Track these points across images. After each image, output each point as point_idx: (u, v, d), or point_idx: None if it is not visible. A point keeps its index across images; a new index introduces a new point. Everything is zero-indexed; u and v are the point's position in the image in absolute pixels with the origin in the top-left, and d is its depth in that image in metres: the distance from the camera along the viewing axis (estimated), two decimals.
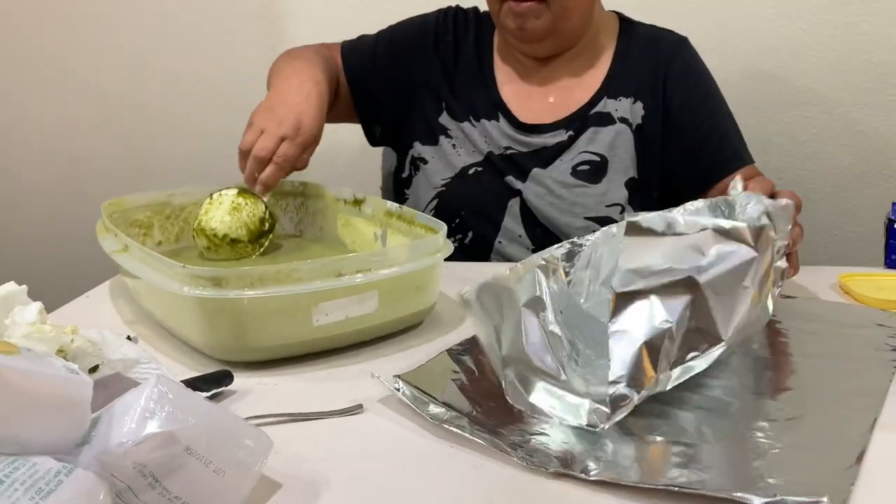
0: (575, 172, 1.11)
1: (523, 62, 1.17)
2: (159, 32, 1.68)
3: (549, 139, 1.12)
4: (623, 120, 1.12)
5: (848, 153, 1.54)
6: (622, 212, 1.10)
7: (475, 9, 1.24)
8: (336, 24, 1.60)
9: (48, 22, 1.71)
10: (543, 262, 0.68)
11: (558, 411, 0.62)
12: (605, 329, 0.62)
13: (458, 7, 1.24)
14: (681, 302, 0.63)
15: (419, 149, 1.17)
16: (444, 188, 1.14)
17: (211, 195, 1.00)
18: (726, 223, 0.68)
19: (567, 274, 0.70)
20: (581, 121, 1.12)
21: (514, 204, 1.12)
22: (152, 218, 1.02)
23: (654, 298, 0.62)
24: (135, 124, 1.73)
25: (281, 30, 1.66)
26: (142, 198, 1.02)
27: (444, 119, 1.17)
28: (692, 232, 0.67)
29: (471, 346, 0.75)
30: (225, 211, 0.97)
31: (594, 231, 1.04)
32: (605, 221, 1.08)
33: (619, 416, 0.59)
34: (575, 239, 0.70)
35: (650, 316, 0.62)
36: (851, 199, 1.55)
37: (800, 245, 0.84)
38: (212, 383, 0.66)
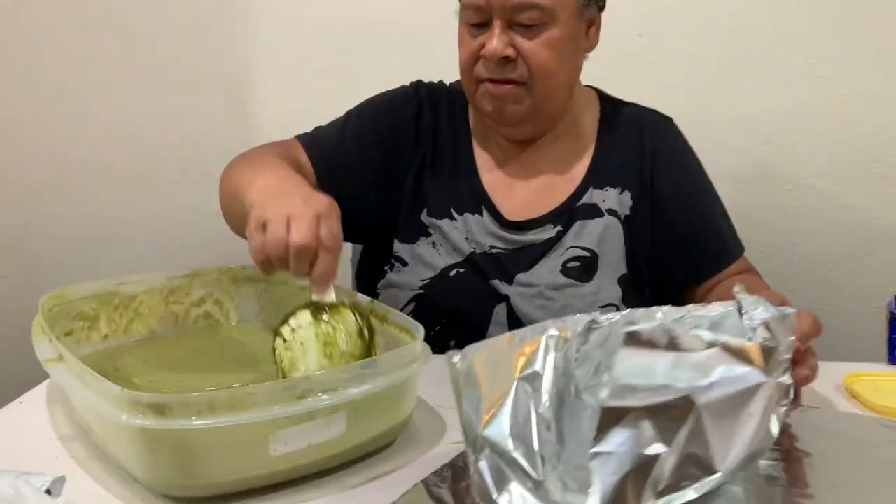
0: (565, 270, 1.02)
1: (503, 146, 1.09)
2: (119, 93, 1.60)
3: (536, 236, 1.04)
4: (611, 212, 1.04)
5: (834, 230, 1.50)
6: (617, 311, 1.02)
7: (442, 84, 1.14)
8: (299, 85, 1.55)
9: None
10: (555, 333, 0.60)
11: None
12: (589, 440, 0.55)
13: (423, 84, 1.13)
14: (675, 424, 0.56)
15: (398, 247, 1.06)
16: (422, 290, 1.04)
17: (279, 335, 0.74)
18: (735, 341, 0.61)
19: (577, 351, 0.62)
20: (568, 214, 1.04)
21: (500, 310, 1.02)
22: (98, 309, 0.93)
23: (645, 418, 0.55)
24: (90, 187, 1.63)
25: (246, 95, 1.59)
26: (86, 288, 0.92)
27: (426, 217, 1.06)
28: (697, 348, 0.60)
29: (450, 473, 0.66)
30: (318, 354, 0.71)
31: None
32: None
33: None
34: (597, 315, 0.62)
35: (640, 439, 0.55)
36: (841, 280, 1.50)
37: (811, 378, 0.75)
38: None
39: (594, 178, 1.06)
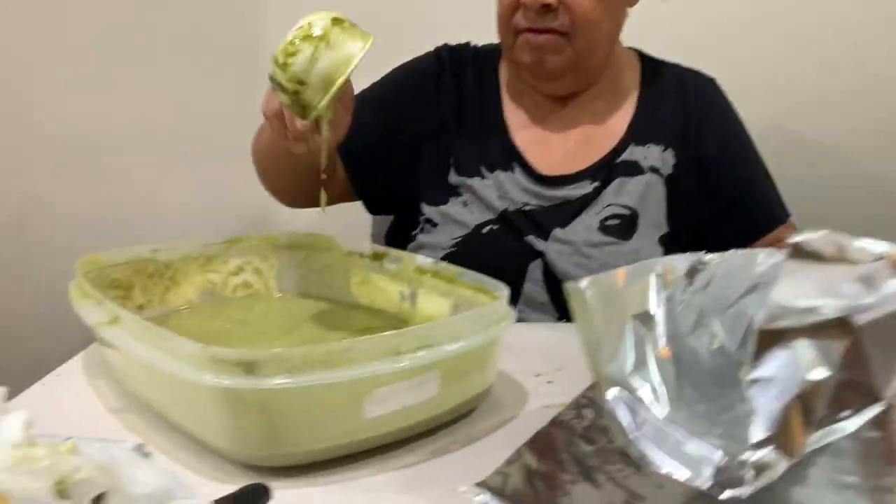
0: (603, 228, 0.98)
1: (538, 103, 1.05)
2: (132, 70, 1.52)
3: (572, 192, 1.00)
4: (653, 169, 1.01)
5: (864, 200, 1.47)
6: None
7: (468, 45, 1.11)
8: None
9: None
10: (661, 272, 0.58)
11: (666, 462, 0.50)
12: (733, 375, 0.53)
13: (449, 45, 1.10)
14: (835, 347, 0.52)
15: (427, 210, 1.03)
16: (454, 248, 0.99)
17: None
18: None
19: (683, 292, 0.60)
20: (607, 170, 1.01)
21: (535, 268, 0.98)
22: (133, 278, 0.86)
23: (804, 340, 0.51)
24: (103, 165, 1.55)
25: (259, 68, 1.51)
26: (120, 254, 0.86)
27: (453, 177, 1.02)
28: (864, 260, 0.55)
29: (544, 438, 0.61)
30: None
31: None
32: None
33: (758, 487, 0.47)
34: (702, 256, 0.61)
35: (801, 363, 0.51)
36: None
37: None
38: None
39: (635, 134, 1.02)
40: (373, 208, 1.13)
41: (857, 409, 0.52)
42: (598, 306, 0.56)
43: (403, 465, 0.59)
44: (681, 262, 0.60)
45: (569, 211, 0.99)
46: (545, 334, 0.90)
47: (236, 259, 0.94)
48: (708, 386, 0.60)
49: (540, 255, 0.98)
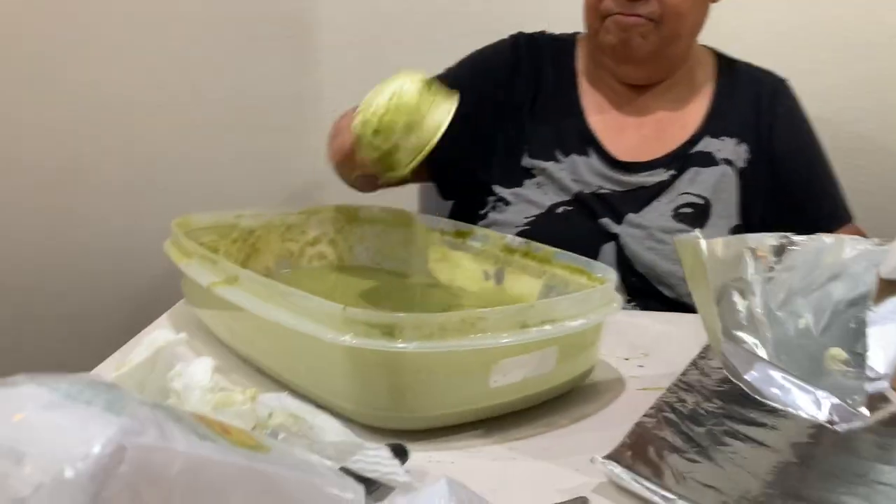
0: (677, 216, 1.00)
1: (615, 89, 1.06)
2: (172, 34, 1.51)
3: (647, 178, 1.02)
4: (727, 161, 1.02)
5: None
6: None
7: (543, 33, 1.13)
8: (368, 35, 1.48)
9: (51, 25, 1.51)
10: (752, 246, 0.63)
11: (784, 396, 0.53)
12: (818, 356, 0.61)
13: (523, 34, 1.12)
14: None
15: (500, 191, 1.04)
16: (528, 227, 1.01)
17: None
18: None
19: (771, 269, 0.65)
20: (682, 160, 1.02)
21: (607, 249, 1.00)
22: (218, 242, 0.87)
23: None
24: (138, 130, 1.54)
25: (310, 41, 1.51)
26: (208, 218, 0.86)
27: (527, 161, 1.04)
28: None
29: (657, 415, 0.62)
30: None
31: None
32: None
33: (875, 419, 0.51)
34: (791, 235, 0.68)
35: None
36: None
37: None
38: None
39: (710, 126, 1.04)
40: (445, 193, 1.14)
41: None
42: (710, 261, 0.59)
43: (522, 436, 0.60)
44: (771, 240, 0.64)
45: (643, 196, 1.01)
46: (624, 319, 0.91)
47: (314, 229, 0.95)
48: (798, 360, 0.64)
49: (613, 237, 0.99)
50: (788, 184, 1.04)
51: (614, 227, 1.00)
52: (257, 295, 0.62)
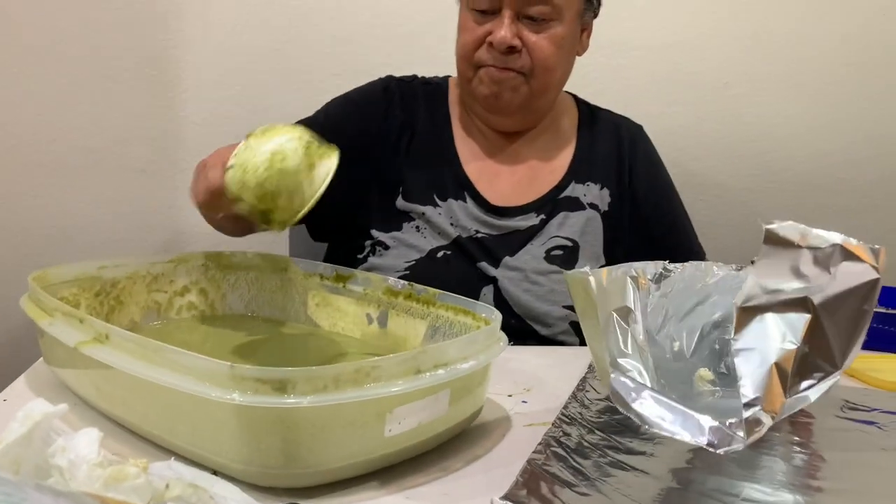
0: (549, 257, 1.05)
1: (487, 136, 1.10)
2: (34, 78, 1.40)
3: (521, 223, 1.06)
4: (592, 205, 1.08)
5: (735, 235, 1.63)
6: None
7: (416, 77, 1.15)
8: (233, 75, 1.45)
9: None
10: (634, 275, 0.67)
11: (669, 424, 0.56)
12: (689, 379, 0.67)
13: (395, 78, 1.14)
14: (800, 321, 0.60)
15: (377, 234, 1.04)
16: (408, 271, 1.02)
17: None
18: (854, 241, 0.65)
19: (650, 296, 0.70)
20: (551, 204, 1.07)
21: (487, 292, 1.03)
22: (79, 296, 0.81)
23: (774, 316, 0.60)
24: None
25: (171, 79, 1.46)
26: (67, 270, 0.81)
27: (402, 203, 1.05)
28: (823, 245, 0.63)
29: (546, 450, 0.64)
30: (267, 157, 0.70)
31: (573, 321, 1.02)
32: None
33: (750, 441, 0.55)
34: (667, 264, 0.73)
35: (773, 335, 0.59)
36: None
37: None
38: None
39: (576, 172, 1.10)
40: (316, 235, 1.13)
41: (820, 378, 0.60)
42: (598, 295, 0.63)
43: (419, 483, 0.60)
44: (650, 268, 0.69)
45: (517, 240, 1.04)
46: (504, 355, 0.93)
47: (183, 279, 0.91)
48: (674, 382, 0.68)
49: (492, 280, 1.01)
50: (648, 222, 1.11)
51: (492, 271, 1.02)
52: (132, 354, 0.59)
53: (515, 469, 0.59)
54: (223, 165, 0.72)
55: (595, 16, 1.08)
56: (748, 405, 0.54)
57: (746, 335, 0.59)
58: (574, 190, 1.08)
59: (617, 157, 1.12)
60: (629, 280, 0.65)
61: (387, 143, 1.07)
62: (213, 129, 1.41)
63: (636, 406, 0.56)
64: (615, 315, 0.64)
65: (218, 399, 0.53)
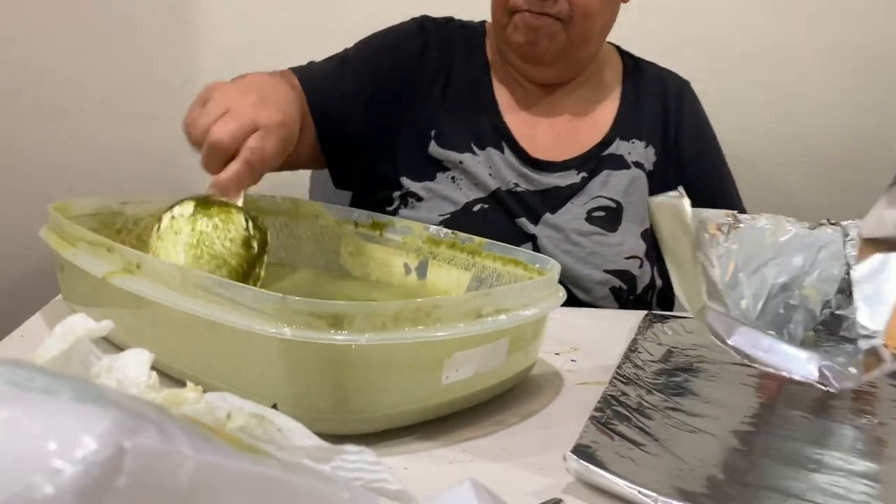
0: (590, 218, 0.99)
1: (526, 87, 1.04)
2: (31, 16, 1.35)
3: (561, 180, 1.00)
4: (637, 164, 1.03)
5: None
6: (641, 265, 1.00)
7: (452, 19, 1.09)
8: (255, 23, 1.39)
9: None
10: (703, 220, 0.66)
11: (775, 360, 0.52)
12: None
13: (431, 18, 1.07)
14: None
15: (409, 184, 0.99)
16: (442, 225, 0.96)
17: (158, 224, 0.66)
18: None
19: (720, 245, 0.68)
20: (594, 162, 1.01)
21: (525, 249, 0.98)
22: (99, 231, 0.75)
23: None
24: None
25: (187, 23, 1.40)
26: (89, 203, 0.75)
27: (435, 150, 0.99)
28: None
29: (607, 409, 0.59)
30: (182, 249, 0.63)
31: (613, 287, 0.96)
32: (624, 275, 0.98)
33: (867, 378, 0.51)
34: (737, 214, 0.70)
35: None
36: None
37: None
38: None
39: (620, 129, 1.04)
40: (339, 181, 1.07)
41: None
42: (692, 218, 0.60)
43: (474, 436, 0.55)
44: (720, 217, 0.65)
45: (558, 197, 0.99)
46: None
47: None
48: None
49: (531, 238, 0.96)
50: (694, 184, 1.06)
51: (531, 228, 0.97)
52: (167, 285, 0.54)
53: (572, 426, 0.55)
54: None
55: None
56: (867, 337, 0.49)
57: (866, 265, 0.55)
58: (619, 147, 1.03)
59: (663, 113, 1.06)
60: (701, 225, 0.60)
61: (420, 86, 1.01)
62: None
63: (733, 341, 0.52)
64: (700, 256, 0.60)
65: (266, 334, 0.48)
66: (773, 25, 1.51)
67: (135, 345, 0.60)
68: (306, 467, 0.25)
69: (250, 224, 0.68)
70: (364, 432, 0.52)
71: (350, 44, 1.06)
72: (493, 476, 0.50)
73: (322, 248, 0.86)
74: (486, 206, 0.97)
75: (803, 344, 0.76)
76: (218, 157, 0.67)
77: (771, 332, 0.54)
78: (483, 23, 1.09)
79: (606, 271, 0.97)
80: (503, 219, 0.97)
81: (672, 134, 1.05)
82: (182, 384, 0.34)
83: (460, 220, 0.96)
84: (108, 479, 0.16)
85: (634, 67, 1.09)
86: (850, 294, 0.73)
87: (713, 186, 1.08)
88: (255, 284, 0.67)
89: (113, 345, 0.62)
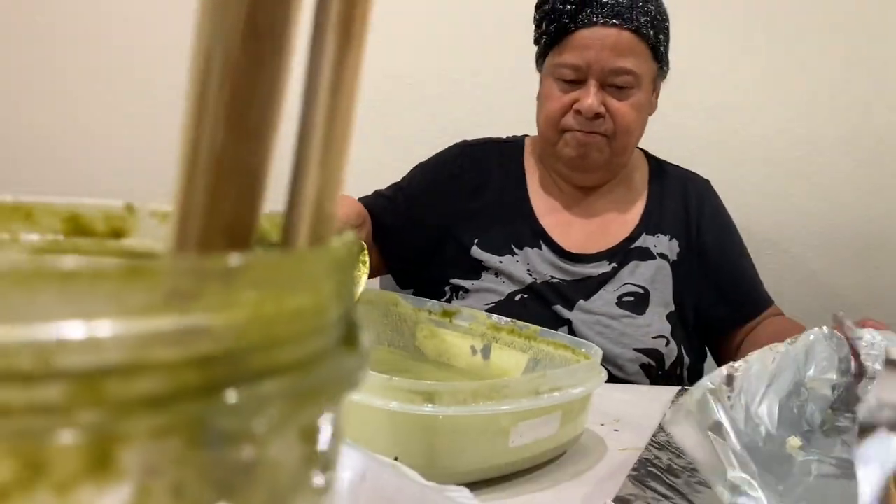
0: (620, 303, 1.14)
1: (564, 190, 1.21)
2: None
3: (593, 270, 1.16)
4: (662, 255, 1.18)
5: (800, 291, 1.70)
6: (667, 344, 1.14)
7: (490, 140, 1.28)
8: None
9: None
10: (712, 386, 0.71)
11: None
12: (783, 451, 0.71)
13: (468, 143, 1.28)
14: None
15: (457, 281, 1.17)
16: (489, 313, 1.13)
17: None
18: None
19: (729, 399, 0.74)
20: (623, 254, 1.17)
21: (562, 333, 1.13)
22: None
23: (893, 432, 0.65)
24: None
25: None
26: None
27: (477, 252, 1.17)
28: None
29: (642, 469, 0.73)
30: None
31: (643, 364, 1.09)
32: (652, 353, 1.11)
33: None
34: (733, 363, 0.75)
35: (893, 449, 0.65)
36: None
37: None
38: None
39: (647, 224, 1.20)
40: (401, 283, 1.26)
41: None
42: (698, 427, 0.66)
43: (534, 490, 0.70)
44: (719, 375, 0.73)
45: (590, 286, 1.15)
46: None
47: None
48: (775, 467, 0.74)
49: (567, 322, 1.11)
50: (716, 274, 1.20)
51: (566, 314, 1.12)
52: None
53: (615, 483, 0.69)
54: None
55: (664, 78, 1.20)
56: None
57: (867, 446, 0.65)
58: (645, 241, 1.18)
59: (685, 210, 1.22)
60: (708, 394, 0.70)
61: (461, 203, 1.21)
62: None
63: None
64: (711, 435, 0.65)
65: (377, 406, 0.63)
66: (795, 121, 1.66)
67: None
68: (438, 491, 0.40)
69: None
70: (448, 484, 0.67)
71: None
72: None
73: (400, 333, 1.02)
74: (525, 295, 1.13)
75: (824, 424, 0.88)
76: None
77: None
78: (523, 137, 1.28)
79: (636, 350, 1.12)
80: (541, 306, 1.13)
81: (694, 228, 1.21)
82: None
83: (504, 309, 1.12)
84: (360, 483, 0.31)
85: (659, 169, 1.26)
86: (850, 371, 0.86)
87: (734, 272, 1.22)
88: (363, 267, 0.87)
89: None
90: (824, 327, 0.88)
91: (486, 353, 0.94)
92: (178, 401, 0.11)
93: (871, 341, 0.80)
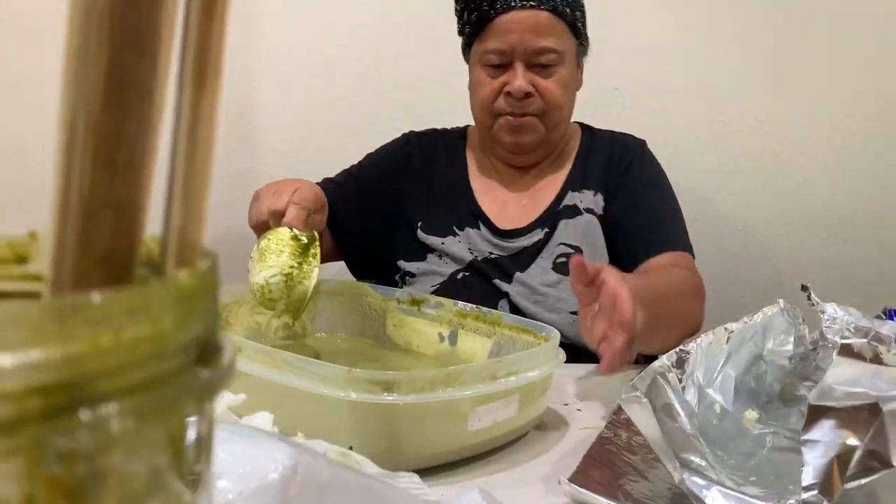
0: (556, 266, 1.17)
1: (502, 172, 1.25)
2: None
3: (528, 241, 1.19)
4: (588, 210, 1.20)
5: (766, 268, 1.73)
6: None
7: (434, 130, 1.33)
8: (301, 121, 1.61)
9: None
10: (661, 370, 0.73)
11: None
12: (739, 426, 0.73)
13: (415, 133, 1.32)
14: (864, 424, 0.68)
15: (404, 265, 1.21)
16: (434, 294, 1.16)
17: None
18: None
19: (680, 381, 0.76)
20: (553, 217, 1.20)
21: (503, 305, 1.16)
22: None
23: (843, 415, 0.67)
24: None
25: (248, 125, 1.62)
26: None
27: (422, 236, 1.21)
28: (893, 364, 0.73)
29: (601, 447, 0.76)
30: (255, 264, 0.94)
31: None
32: None
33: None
34: (682, 346, 0.77)
35: (840, 432, 0.67)
36: None
37: None
38: None
39: (572, 183, 1.23)
40: (358, 275, 1.28)
41: (874, 472, 0.69)
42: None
43: (494, 471, 0.72)
44: (670, 358, 0.75)
45: (526, 256, 1.18)
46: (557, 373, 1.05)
47: None
48: (728, 443, 0.76)
49: (504, 295, 1.16)
50: (626, 211, 1.18)
51: (505, 286, 1.16)
52: (263, 364, 0.72)
53: (574, 461, 0.71)
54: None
55: (585, 55, 1.22)
56: (806, 488, 0.63)
57: (815, 429, 0.67)
58: (572, 198, 1.21)
59: (608, 165, 1.23)
60: (658, 377, 0.72)
61: (406, 188, 1.25)
62: (284, 168, 1.57)
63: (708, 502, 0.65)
64: (661, 417, 0.67)
65: (337, 397, 0.65)
66: (764, 100, 1.68)
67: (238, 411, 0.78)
68: (382, 479, 0.42)
69: (294, 231, 0.95)
70: (411, 469, 0.69)
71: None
72: (510, 498, 0.66)
73: (371, 322, 1.04)
74: (467, 273, 1.18)
75: (783, 394, 0.90)
76: (276, 220, 0.96)
77: (734, 486, 0.65)
78: (465, 127, 1.32)
79: (573, 313, 1.12)
80: (482, 282, 1.17)
81: (616, 179, 1.21)
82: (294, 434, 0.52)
83: (448, 288, 1.17)
84: (292, 476, 0.33)
85: (590, 136, 1.28)
86: (808, 341, 0.88)
87: (642, 210, 1.18)
88: (314, 260, 0.94)
89: None
90: (780, 301, 0.90)
91: (452, 339, 0.96)
92: (22, 425, 0.13)
93: (834, 316, 0.82)
